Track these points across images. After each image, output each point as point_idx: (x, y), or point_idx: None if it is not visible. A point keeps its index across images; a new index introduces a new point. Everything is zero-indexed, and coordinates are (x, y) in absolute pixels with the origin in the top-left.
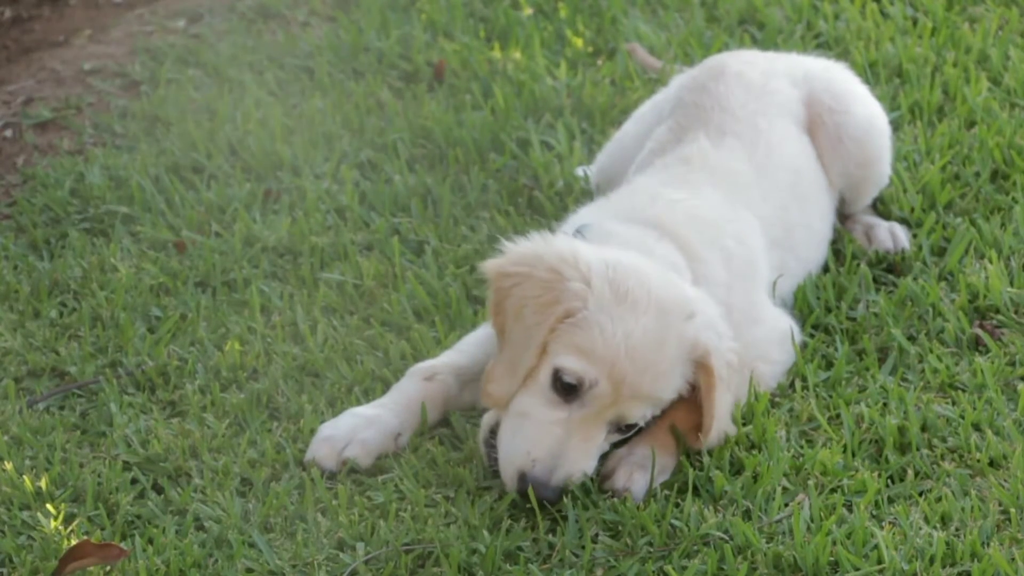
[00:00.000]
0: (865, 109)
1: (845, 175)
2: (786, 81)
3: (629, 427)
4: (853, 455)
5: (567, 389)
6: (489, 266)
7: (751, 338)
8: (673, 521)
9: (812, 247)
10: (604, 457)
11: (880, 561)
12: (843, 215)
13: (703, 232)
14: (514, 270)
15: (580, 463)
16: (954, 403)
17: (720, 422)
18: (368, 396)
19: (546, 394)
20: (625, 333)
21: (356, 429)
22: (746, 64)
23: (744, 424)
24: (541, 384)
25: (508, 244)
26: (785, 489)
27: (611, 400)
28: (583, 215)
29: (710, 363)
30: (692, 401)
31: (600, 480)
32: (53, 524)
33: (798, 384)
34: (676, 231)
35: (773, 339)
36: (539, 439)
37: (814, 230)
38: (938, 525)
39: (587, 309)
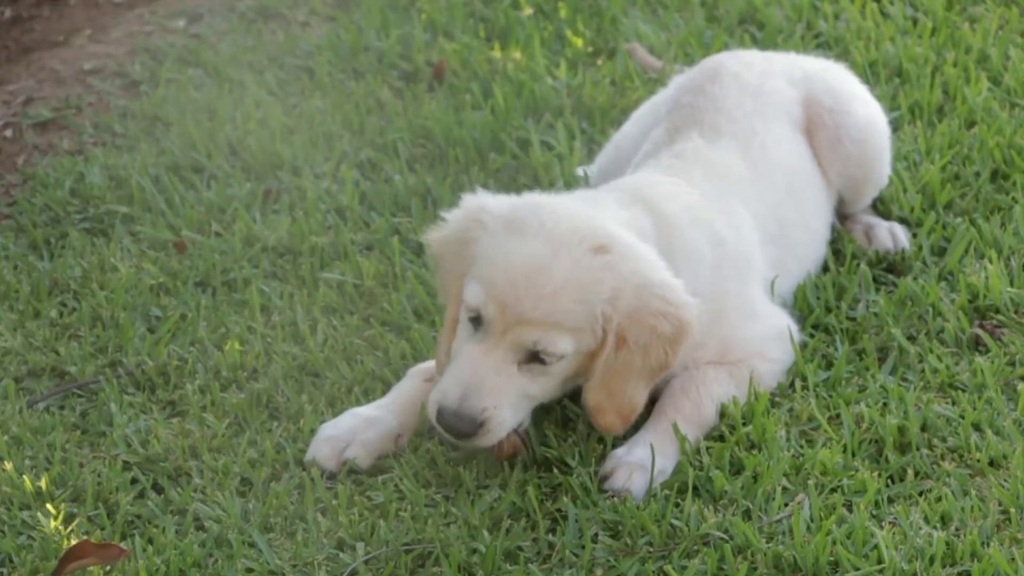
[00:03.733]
0: (865, 109)
1: (845, 175)
2: (784, 82)
3: (539, 357)
4: (853, 455)
5: (475, 321)
6: (428, 240)
7: (748, 334)
8: (673, 521)
9: (810, 246)
10: (603, 458)
11: (880, 561)
12: (843, 215)
13: (688, 209)
14: (438, 238)
15: (493, 398)
16: (954, 403)
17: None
18: (368, 396)
19: (466, 331)
20: (506, 256)
21: (357, 430)
22: (743, 65)
23: (744, 424)
24: (462, 324)
25: (446, 215)
26: (785, 489)
27: (502, 325)
28: None
29: (605, 310)
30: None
31: (600, 480)
32: (53, 524)
33: (798, 384)
34: (655, 202)
35: (771, 336)
36: (453, 371)
37: (811, 229)
38: (938, 525)
39: (479, 244)
